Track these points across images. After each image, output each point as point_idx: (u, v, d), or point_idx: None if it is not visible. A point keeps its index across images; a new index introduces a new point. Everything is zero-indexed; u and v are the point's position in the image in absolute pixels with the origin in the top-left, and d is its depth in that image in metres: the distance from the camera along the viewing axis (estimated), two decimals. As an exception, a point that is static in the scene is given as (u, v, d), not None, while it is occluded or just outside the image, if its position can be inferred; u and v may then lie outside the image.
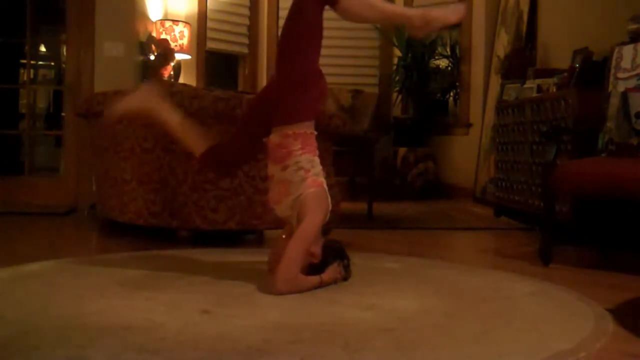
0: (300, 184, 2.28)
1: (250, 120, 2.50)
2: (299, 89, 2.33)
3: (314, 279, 2.24)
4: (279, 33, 6.87)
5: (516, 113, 4.36)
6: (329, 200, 2.33)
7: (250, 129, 2.48)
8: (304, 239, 2.22)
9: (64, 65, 5.33)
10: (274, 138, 2.34)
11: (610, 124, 3.11)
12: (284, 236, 2.39)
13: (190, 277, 2.42)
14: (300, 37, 2.34)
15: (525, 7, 5.47)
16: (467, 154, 6.31)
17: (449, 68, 6.85)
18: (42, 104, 6.58)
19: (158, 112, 2.57)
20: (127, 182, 3.44)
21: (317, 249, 2.28)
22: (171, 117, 2.58)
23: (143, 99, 2.58)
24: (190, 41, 5.95)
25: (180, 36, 5.76)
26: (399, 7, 2.48)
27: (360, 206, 4.85)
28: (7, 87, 5.82)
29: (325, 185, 2.33)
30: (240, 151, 2.59)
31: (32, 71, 5.91)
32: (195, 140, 2.56)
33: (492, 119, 5.47)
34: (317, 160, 2.35)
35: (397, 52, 6.99)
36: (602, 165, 2.85)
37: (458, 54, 6.70)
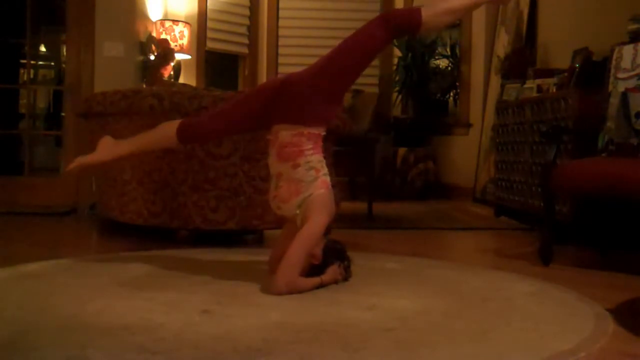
0: (311, 184, 2.29)
1: (258, 108, 2.40)
2: (332, 101, 2.38)
3: (314, 280, 2.24)
4: (279, 33, 6.96)
5: (516, 113, 4.36)
6: (334, 202, 2.34)
7: (254, 116, 2.41)
8: (308, 240, 2.22)
9: (64, 65, 5.33)
10: (284, 136, 2.31)
11: (610, 124, 3.11)
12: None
13: (190, 277, 2.42)
14: (359, 60, 2.35)
15: (525, 7, 5.47)
16: (467, 154, 6.30)
17: (449, 68, 6.86)
18: (42, 104, 6.59)
19: (118, 154, 2.62)
20: (127, 182, 3.44)
21: (317, 250, 2.28)
22: (130, 147, 2.61)
23: (104, 152, 2.60)
24: (190, 41, 5.95)
25: (180, 36, 5.76)
26: None
27: (360, 206, 4.85)
28: (7, 87, 5.82)
29: (331, 187, 2.34)
30: (230, 128, 2.60)
31: (32, 71, 5.91)
32: (161, 138, 2.55)
33: (492, 119, 5.47)
34: (324, 160, 2.36)
35: (397, 52, 6.99)
36: (602, 165, 2.85)
37: (458, 54, 6.70)
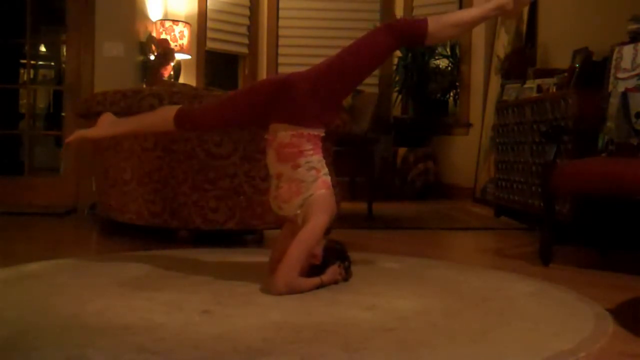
0: (312, 184, 2.29)
1: (257, 104, 2.39)
2: (333, 104, 2.39)
3: (314, 281, 2.24)
4: (279, 33, 6.96)
5: (516, 113, 4.36)
6: (335, 203, 2.34)
7: (253, 111, 2.41)
8: (308, 240, 2.22)
9: (64, 65, 5.33)
10: (283, 136, 2.31)
11: (610, 124, 3.11)
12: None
13: (190, 277, 2.42)
14: (361, 65, 2.37)
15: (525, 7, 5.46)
16: (467, 154, 6.30)
17: (449, 68, 6.85)
18: (42, 104, 6.59)
19: (116, 132, 2.72)
20: (127, 182, 3.44)
21: (318, 250, 2.28)
22: (128, 127, 2.68)
23: (103, 128, 2.66)
24: (190, 41, 5.95)
25: (180, 36, 5.76)
26: (475, 9, 2.48)
27: (360, 206, 4.85)
28: (7, 87, 5.82)
29: (332, 187, 2.34)
30: (227, 122, 2.66)
31: (32, 71, 5.91)
32: (159, 121, 2.58)
33: (492, 119, 5.47)
34: (324, 160, 2.37)
35: (397, 52, 6.99)
36: (602, 165, 2.85)
37: (458, 54, 6.70)
